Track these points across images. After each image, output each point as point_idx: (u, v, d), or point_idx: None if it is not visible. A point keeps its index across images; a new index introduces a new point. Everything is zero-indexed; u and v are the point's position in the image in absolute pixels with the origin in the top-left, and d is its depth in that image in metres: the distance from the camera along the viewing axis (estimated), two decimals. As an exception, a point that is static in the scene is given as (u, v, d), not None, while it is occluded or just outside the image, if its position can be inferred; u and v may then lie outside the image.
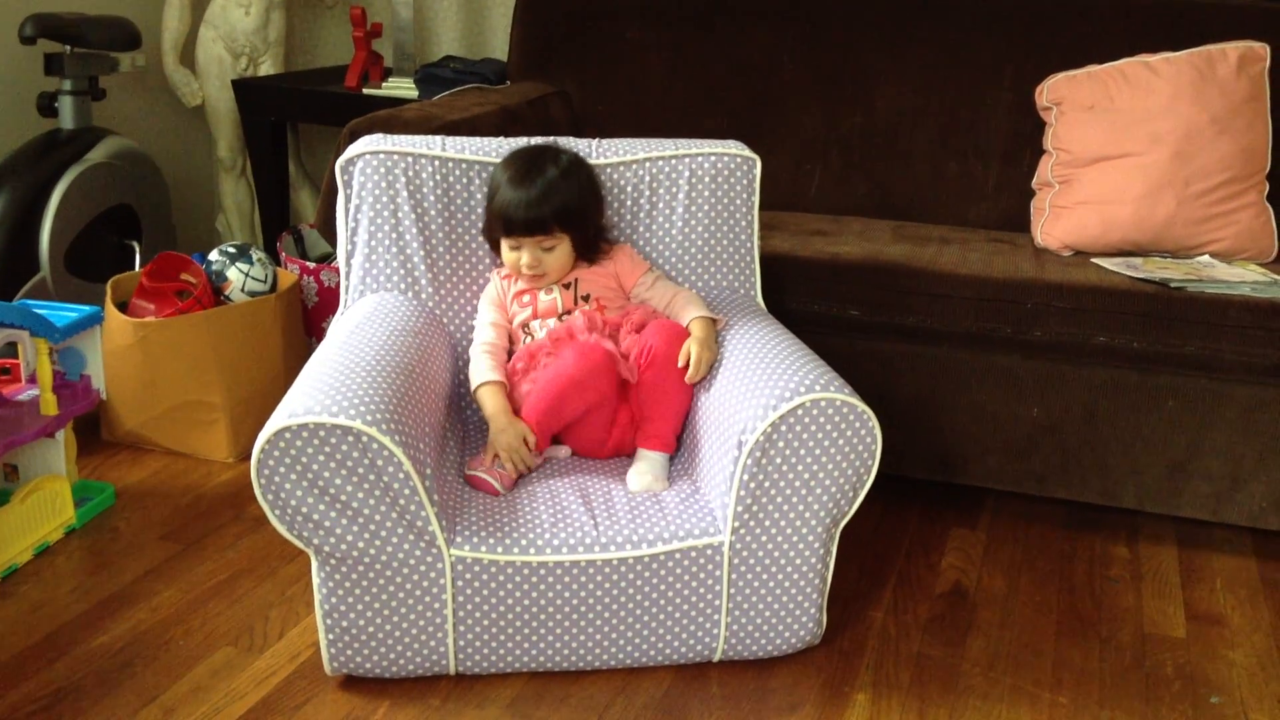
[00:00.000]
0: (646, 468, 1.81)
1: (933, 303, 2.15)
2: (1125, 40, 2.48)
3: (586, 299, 1.94)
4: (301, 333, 2.61)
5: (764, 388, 1.65)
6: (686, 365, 1.82)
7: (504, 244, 1.94)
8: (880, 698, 1.71)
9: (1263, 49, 2.37)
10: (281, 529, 1.55)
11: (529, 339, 1.93)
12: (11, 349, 2.17)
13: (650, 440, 1.84)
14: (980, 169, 2.61)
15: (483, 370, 1.88)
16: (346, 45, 3.45)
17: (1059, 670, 1.80)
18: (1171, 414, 2.12)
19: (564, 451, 1.90)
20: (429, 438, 1.65)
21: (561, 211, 1.89)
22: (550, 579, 1.62)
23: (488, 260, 2.03)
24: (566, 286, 1.95)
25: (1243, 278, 2.18)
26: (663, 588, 1.65)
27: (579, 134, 2.69)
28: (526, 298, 1.95)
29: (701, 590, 1.67)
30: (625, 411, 1.88)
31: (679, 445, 1.88)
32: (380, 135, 2.02)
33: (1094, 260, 2.30)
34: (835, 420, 1.62)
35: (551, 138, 2.06)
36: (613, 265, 1.98)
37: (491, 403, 1.84)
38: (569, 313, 1.93)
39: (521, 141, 2.04)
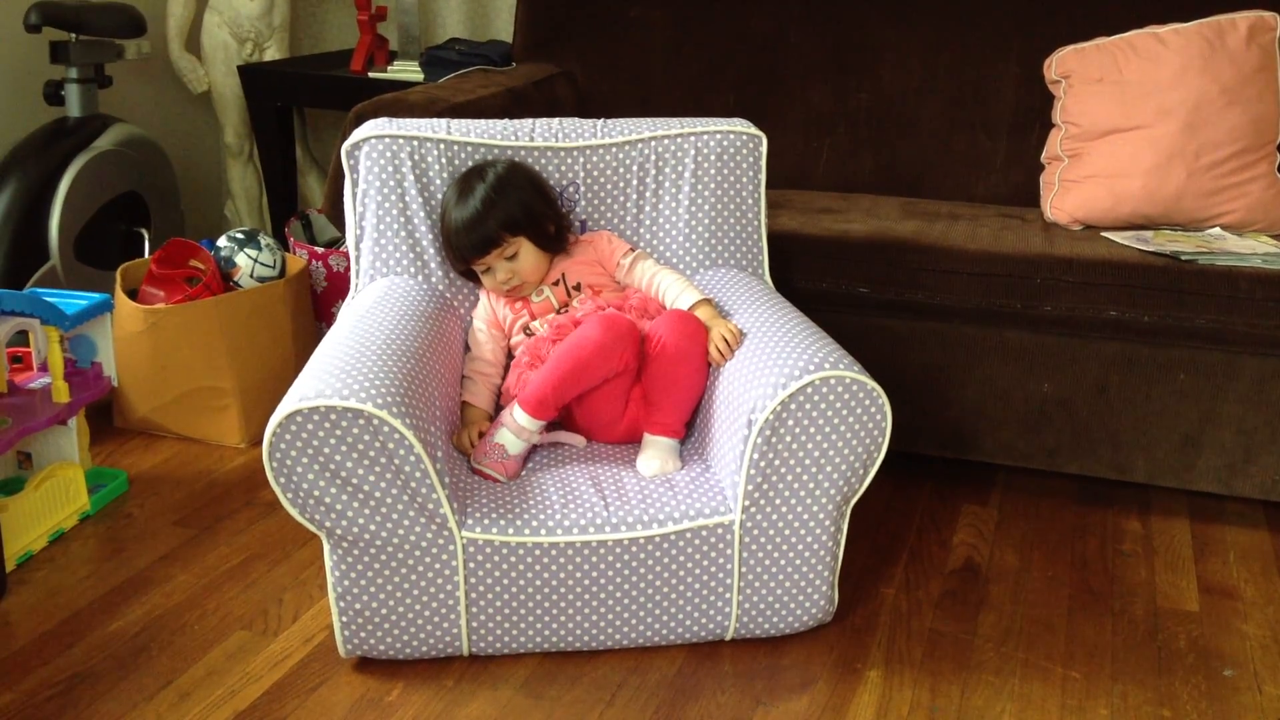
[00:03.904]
0: (656, 453, 1.80)
1: (942, 279, 2.14)
2: (1134, 11, 2.46)
3: (578, 288, 1.94)
4: (311, 318, 2.61)
5: (773, 366, 1.64)
6: (702, 356, 1.81)
7: (477, 270, 1.95)
8: (893, 674, 1.71)
9: (1272, 18, 2.35)
10: (294, 512, 1.56)
11: (531, 337, 1.92)
12: (23, 337, 2.18)
13: (657, 428, 1.82)
14: (989, 143, 2.59)
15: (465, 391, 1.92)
16: (351, 29, 3.45)
17: (1072, 645, 1.80)
18: (1183, 387, 2.11)
19: (579, 441, 1.89)
20: (440, 420, 1.65)
21: (505, 218, 1.88)
22: (561, 559, 1.62)
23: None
24: (555, 283, 1.95)
25: (1254, 249, 2.16)
26: (674, 567, 1.66)
27: (584, 114, 2.69)
28: (520, 303, 1.95)
29: (713, 569, 1.67)
30: (640, 389, 1.87)
31: (689, 430, 1.87)
32: (386, 119, 2.01)
33: (1104, 234, 2.28)
34: (845, 398, 1.61)
35: (557, 118, 2.06)
36: (593, 252, 1.98)
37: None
38: (565, 306, 1.93)
39: (526, 124, 2.04)
